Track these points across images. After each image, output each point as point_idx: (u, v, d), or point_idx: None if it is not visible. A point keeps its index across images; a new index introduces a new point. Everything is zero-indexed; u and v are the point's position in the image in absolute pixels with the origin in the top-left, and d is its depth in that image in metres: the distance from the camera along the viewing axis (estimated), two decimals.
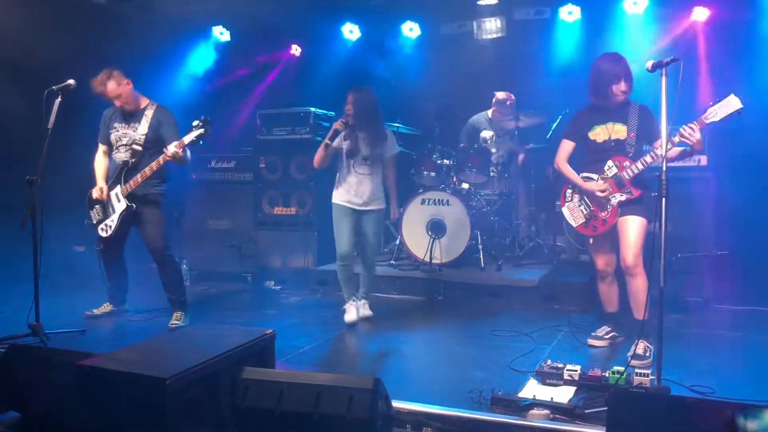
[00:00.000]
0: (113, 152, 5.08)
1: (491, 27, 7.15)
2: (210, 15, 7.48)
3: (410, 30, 7.66)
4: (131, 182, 4.89)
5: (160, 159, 4.80)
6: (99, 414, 2.59)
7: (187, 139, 4.71)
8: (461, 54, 7.42)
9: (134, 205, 4.92)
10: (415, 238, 6.33)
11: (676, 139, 3.79)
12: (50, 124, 4.57)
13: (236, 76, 7.84)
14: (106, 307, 5.33)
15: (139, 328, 5.02)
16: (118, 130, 5.05)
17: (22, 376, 3.08)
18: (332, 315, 5.30)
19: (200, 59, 7.78)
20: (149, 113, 5.03)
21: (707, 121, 3.72)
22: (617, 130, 4.17)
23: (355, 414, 2.62)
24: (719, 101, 3.69)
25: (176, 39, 7.29)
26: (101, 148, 5.18)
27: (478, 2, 7.08)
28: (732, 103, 3.66)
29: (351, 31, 7.79)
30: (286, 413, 2.71)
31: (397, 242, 6.56)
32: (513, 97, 6.71)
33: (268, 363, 3.16)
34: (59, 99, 4.60)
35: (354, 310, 5.01)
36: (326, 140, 4.89)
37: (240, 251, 6.75)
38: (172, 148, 4.71)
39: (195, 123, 4.73)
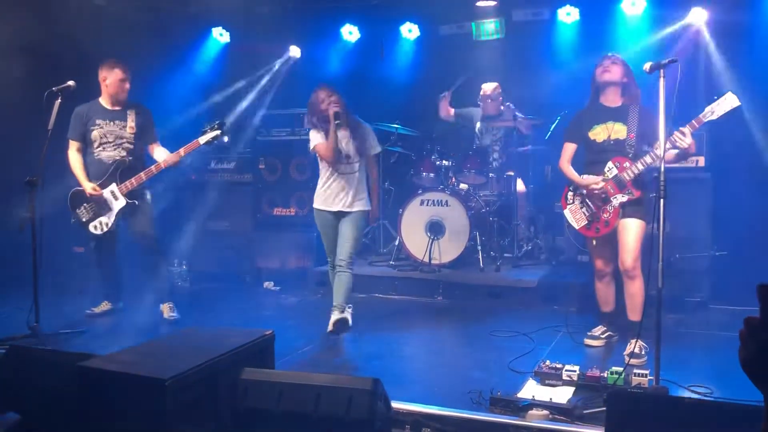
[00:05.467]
0: (96, 149, 5.07)
1: (490, 28, 7.15)
2: (209, 16, 7.48)
3: (409, 31, 7.66)
4: (133, 180, 4.95)
5: (163, 163, 4.92)
6: (98, 415, 2.59)
7: (203, 140, 4.86)
8: (460, 55, 7.43)
9: (136, 202, 5.01)
10: (414, 238, 6.33)
11: (668, 145, 3.79)
12: (50, 125, 4.59)
13: (235, 77, 7.83)
14: (105, 306, 5.36)
15: (138, 327, 5.01)
16: (102, 127, 5.07)
17: (22, 377, 3.08)
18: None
19: (199, 60, 7.78)
20: (132, 111, 5.14)
21: (705, 119, 3.75)
22: (617, 130, 4.17)
23: (354, 415, 2.63)
24: (716, 99, 3.72)
25: (175, 40, 7.29)
26: (74, 145, 5.11)
27: (477, 3, 7.08)
28: (729, 101, 3.68)
29: (350, 32, 7.79)
30: (285, 414, 2.71)
31: (396, 243, 6.56)
32: (493, 86, 6.67)
33: (267, 364, 3.16)
34: (59, 100, 4.62)
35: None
36: (336, 121, 4.56)
37: (239, 252, 6.75)
38: (183, 152, 4.87)
39: (209, 126, 4.87)
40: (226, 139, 4.93)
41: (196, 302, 5.90)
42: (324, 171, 4.83)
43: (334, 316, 4.60)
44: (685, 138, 3.77)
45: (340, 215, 4.79)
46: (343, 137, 4.74)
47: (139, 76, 5.33)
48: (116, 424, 2.54)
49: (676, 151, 3.93)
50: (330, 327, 4.57)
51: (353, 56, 7.81)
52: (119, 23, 6.41)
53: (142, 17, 6.57)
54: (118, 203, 5.00)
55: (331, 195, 4.77)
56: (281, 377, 2.87)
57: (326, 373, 3.15)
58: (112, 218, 5.02)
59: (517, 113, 6.52)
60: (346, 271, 4.72)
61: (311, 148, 4.80)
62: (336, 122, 4.59)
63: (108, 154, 5.06)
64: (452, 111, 6.85)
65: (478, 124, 6.85)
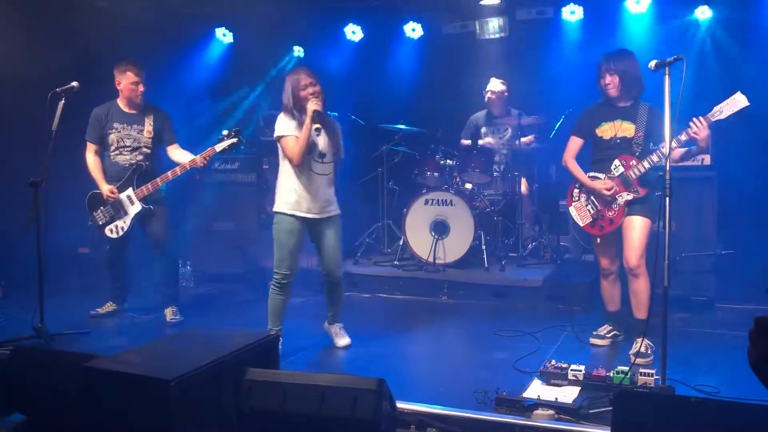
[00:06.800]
0: (113, 153, 5.08)
1: (494, 27, 7.14)
2: (213, 16, 7.49)
3: (413, 30, 7.66)
4: (149, 185, 4.93)
5: (179, 169, 4.86)
6: (103, 416, 2.59)
7: (219, 147, 4.74)
8: (464, 54, 7.42)
9: (152, 207, 5.00)
10: (418, 238, 6.32)
11: (683, 137, 3.78)
12: (54, 127, 4.59)
13: (239, 78, 7.84)
14: (110, 306, 5.36)
15: (142, 328, 5.04)
16: (119, 131, 5.06)
17: (27, 378, 3.09)
18: None
19: (203, 61, 7.78)
20: (150, 115, 5.12)
21: (713, 119, 3.74)
22: (625, 128, 4.16)
23: (360, 415, 2.62)
24: (725, 99, 3.70)
25: (178, 41, 7.29)
26: (92, 147, 5.12)
27: (481, 2, 7.07)
28: (738, 101, 3.66)
29: (354, 32, 7.80)
30: (290, 414, 2.71)
31: (401, 242, 6.55)
32: (501, 87, 6.67)
33: (272, 364, 3.16)
34: (63, 101, 4.62)
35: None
36: (315, 125, 4.04)
37: (243, 252, 6.76)
38: (199, 159, 4.76)
39: (225, 132, 4.77)
40: (242, 147, 4.84)
41: (200, 302, 5.91)
42: (290, 168, 4.15)
43: (342, 338, 4.51)
44: (702, 129, 3.73)
45: (309, 223, 4.22)
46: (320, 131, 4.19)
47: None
48: (121, 425, 2.54)
49: (685, 149, 3.93)
50: (343, 345, 4.49)
51: (357, 56, 7.82)
52: (122, 24, 6.42)
53: (145, 18, 6.58)
54: (134, 208, 4.99)
55: (302, 198, 4.14)
56: (285, 377, 2.86)
57: (331, 373, 3.14)
58: (128, 222, 5.02)
59: (523, 117, 6.50)
60: (342, 283, 4.53)
61: (275, 135, 4.12)
62: (315, 126, 4.04)
63: (125, 158, 5.06)
64: (467, 142, 6.90)
65: (483, 129, 6.84)
